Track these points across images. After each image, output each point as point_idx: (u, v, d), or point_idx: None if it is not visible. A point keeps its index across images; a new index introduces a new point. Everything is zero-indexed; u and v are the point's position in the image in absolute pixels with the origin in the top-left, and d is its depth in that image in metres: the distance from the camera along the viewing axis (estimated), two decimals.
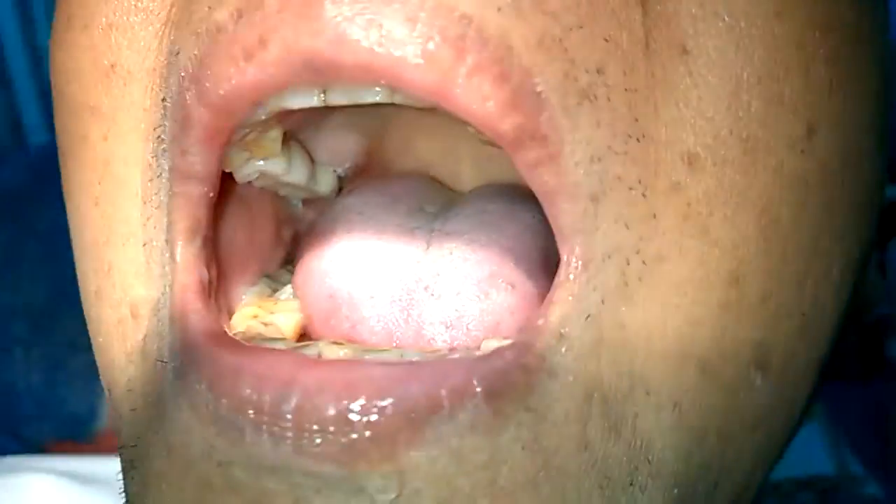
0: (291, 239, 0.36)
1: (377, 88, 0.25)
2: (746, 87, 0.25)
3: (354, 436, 0.23)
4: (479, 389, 0.23)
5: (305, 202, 0.36)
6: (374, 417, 0.23)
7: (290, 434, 0.23)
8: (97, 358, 0.32)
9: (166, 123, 0.27)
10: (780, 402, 0.28)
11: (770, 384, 0.27)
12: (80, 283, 0.32)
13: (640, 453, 0.25)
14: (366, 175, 0.36)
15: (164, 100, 0.27)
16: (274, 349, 0.26)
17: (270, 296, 0.33)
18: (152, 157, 0.28)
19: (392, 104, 0.27)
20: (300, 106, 0.26)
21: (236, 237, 0.33)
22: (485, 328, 0.29)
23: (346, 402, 0.23)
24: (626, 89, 0.24)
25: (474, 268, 0.30)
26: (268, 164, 0.30)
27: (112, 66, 0.28)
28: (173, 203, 0.28)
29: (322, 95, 0.26)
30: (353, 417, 0.23)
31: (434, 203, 0.33)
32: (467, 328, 0.29)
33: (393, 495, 0.23)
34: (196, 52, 0.25)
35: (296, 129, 0.33)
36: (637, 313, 0.25)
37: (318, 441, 0.23)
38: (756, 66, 0.24)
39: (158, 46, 0.28)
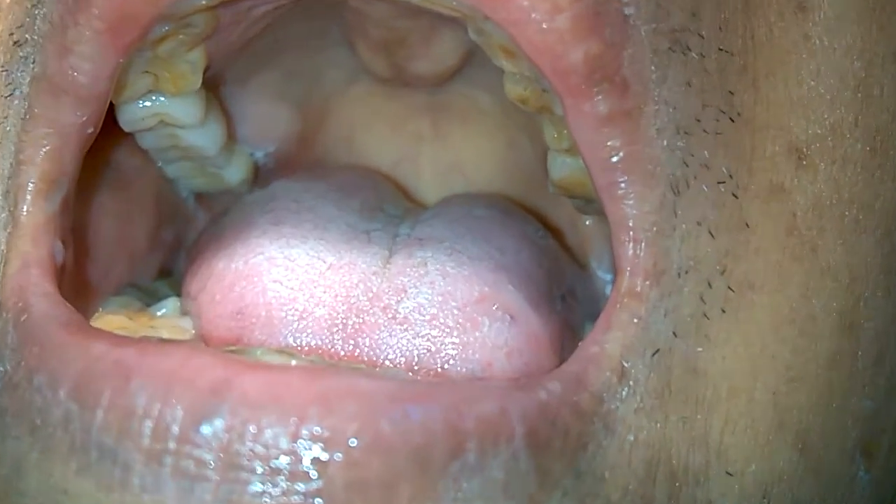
0: (172, 246, 0.27)
1: None
2: (881, 63, 0.19)
3: (321, 482, 0.14)
4: (519, 430, 0.16)
5: (199, 198, 0.27)
6: (357, 453, 0.14)
7: (212, 472, 0.14)
8: None
9: (38, 13, 0.19)
10: None
11: (870, 479, 0.20)
12: None
13: None
14: (291, 171, 0.27)
15: None
16: (187, 345, 0.17)
17: (141, 310, 0.23)
18: (2, 70, 0.20)
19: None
20: None
21: (103, 224, 0.24)
22: (467, 370, 0.20)
23: (311, 425, 0.14)
24: (720, 48, 0.18)
25: (458, 286, 0.21)
26: (174, 105, 0.21)
27: None
28: (31, 133, 0.19)
29: None
30: (323, 453, 0.14)
31: (398, 205, 0.25)
32: (442, 367, 0.20)
33: None
34: None
35: (218, 78, 0.24)
36: (717, 358, 0.18)
37: (260, 489, 0.14)
38: (892, 38, 0.19)
39: None
